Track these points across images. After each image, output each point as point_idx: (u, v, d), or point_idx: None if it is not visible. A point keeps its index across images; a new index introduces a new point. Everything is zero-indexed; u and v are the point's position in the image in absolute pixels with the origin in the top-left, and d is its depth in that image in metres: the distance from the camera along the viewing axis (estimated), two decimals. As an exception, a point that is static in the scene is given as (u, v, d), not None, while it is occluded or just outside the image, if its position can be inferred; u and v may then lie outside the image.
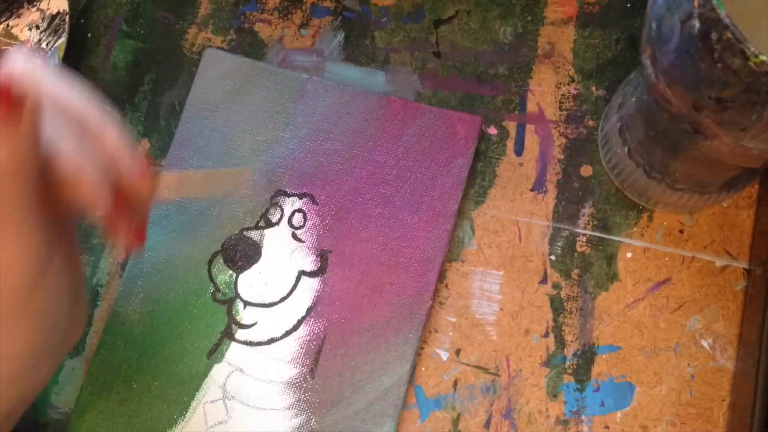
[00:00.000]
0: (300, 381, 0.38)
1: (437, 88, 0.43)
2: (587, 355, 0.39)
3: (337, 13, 0.44)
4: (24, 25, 0.42)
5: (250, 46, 0.44)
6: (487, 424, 0.38)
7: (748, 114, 0.26)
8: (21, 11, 0.42)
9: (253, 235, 0.40)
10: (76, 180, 0.31)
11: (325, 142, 0.41)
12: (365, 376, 0.38)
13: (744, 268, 0.39)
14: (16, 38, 0.42)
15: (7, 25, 0.42)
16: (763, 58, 0.24)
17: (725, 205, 0.40)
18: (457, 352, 0.39)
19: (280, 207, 0.40)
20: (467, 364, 0.39)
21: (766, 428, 0.35)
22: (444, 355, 0.39)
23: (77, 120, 0.31)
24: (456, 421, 0.38)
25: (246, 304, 0.39)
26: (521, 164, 0.41)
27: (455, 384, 0.39)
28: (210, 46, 0.43)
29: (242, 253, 0.40)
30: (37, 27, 0.42)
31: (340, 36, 0.44)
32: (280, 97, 0.42)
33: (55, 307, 0.32)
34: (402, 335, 0.38)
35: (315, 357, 0.38)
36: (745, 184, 0.37)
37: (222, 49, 0.43)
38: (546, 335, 0.39)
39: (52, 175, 0.31)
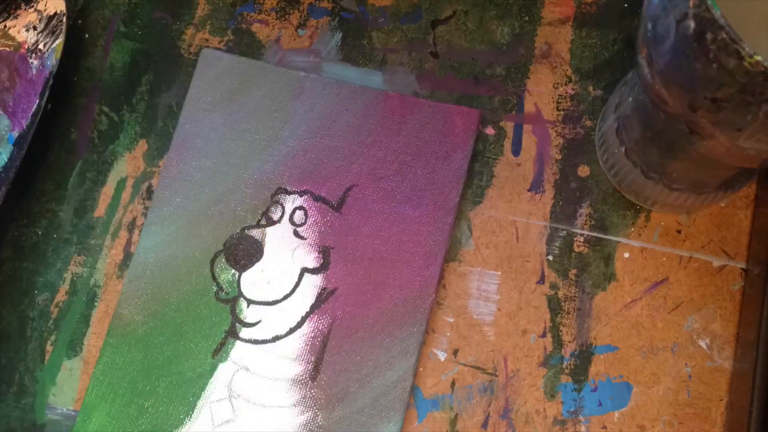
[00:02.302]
0: (305, 378, 0.38)
1: (434, 88, 0.43)
2: (585, 355, 0.39)
3: (335, 14, 0.44)
4: (21, 26, 0.42)
5: (247, 47, 0.44)
6: (485, 425, 0.38)
7: (744, 114, 0.26)
8: (18, 12, 0.42)
9: (255, 233, 0.40)
10: None
11: (324, 139, 0.41)
12: (371, 371, 0.38)
13: (741, 268, 0.39)
14: (13, 39, 0.42)
15: (4, 26, 0.42)
16: (757, 58, 0.24)
17: (722, 204, 0.40)
18: (455, 352, 0.39)
19: (281, 205, 0.40)
20: (465, 365, 0.39)
21: (763, 428, 0.35)
22: (442, 356, 0.39)
23: None
24: (453, 422, 0.38)
25: (249, 302, 0.39)
26: (519, 164, 0.41)
27: (453, 384, 0.39)
28: (207, 47, 0.43)
29: (244, 252, 0.40)
30: (35, 28, 0.42)
31: (338, 36, 0.44)
32: (278, 95, 0.42)
33: None
34: (406, 329, 0.38)
35: (320, 353, 0.38)
36: (742, 184, 0.37)
37: (219, 49, 0.43)
38: (543, 335, 0.39)
39: None
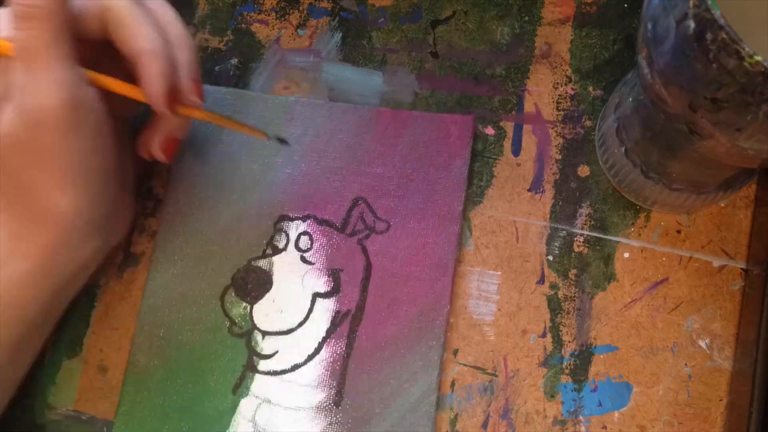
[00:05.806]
0: (329, 404, 0.38)
1: (434, 88, 0.43)
2: (585, 356, 0.39)
3: (335, 14, 0.44)
4: (21, 26, 0.42)
5: (247, 47, 0.44)
6: (485, 425, 0.38)
7: (743, 114, 0.26)
8: (18, 12, 0.42)
9: (262, 263, 0.40)
10: (145, 60, 0.33)
11: (321, 161, 0.41)
12: (394, 389, 0.37)
13: (741, 268, 0.39)
14: (13, 39, 0.42)
15: (5, 26, 0.42)
16: (757, 58, 0.24)
17: (722, 205, 0.40)
18: (455, 352, 0.39)
19: (285, 232, 0.40)
20: (465, 365, 0.39)
21: (763, 428, 0.35)
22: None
23: (161, 22, 0.34)
24: (453, 422, 0.38)
25: (264, 334, 0.39)
26: (519, 164, 0.41)
27: (453, 384, 0.39)
28: (207, 46, 0.43)
29: (253, 284, 0.39)
30: (35, 28, 0.42)
31: (338, 36, 0.44)
32: (270, 122, 0.41)
33: (98, 171, 0.34)
34: (425, 343, 0.38)
35: (341, 378, 0.38)
36: (742, 184, 0.37)
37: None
38: (543, 335, 0.39)
39: (120, 45, 0.33)
